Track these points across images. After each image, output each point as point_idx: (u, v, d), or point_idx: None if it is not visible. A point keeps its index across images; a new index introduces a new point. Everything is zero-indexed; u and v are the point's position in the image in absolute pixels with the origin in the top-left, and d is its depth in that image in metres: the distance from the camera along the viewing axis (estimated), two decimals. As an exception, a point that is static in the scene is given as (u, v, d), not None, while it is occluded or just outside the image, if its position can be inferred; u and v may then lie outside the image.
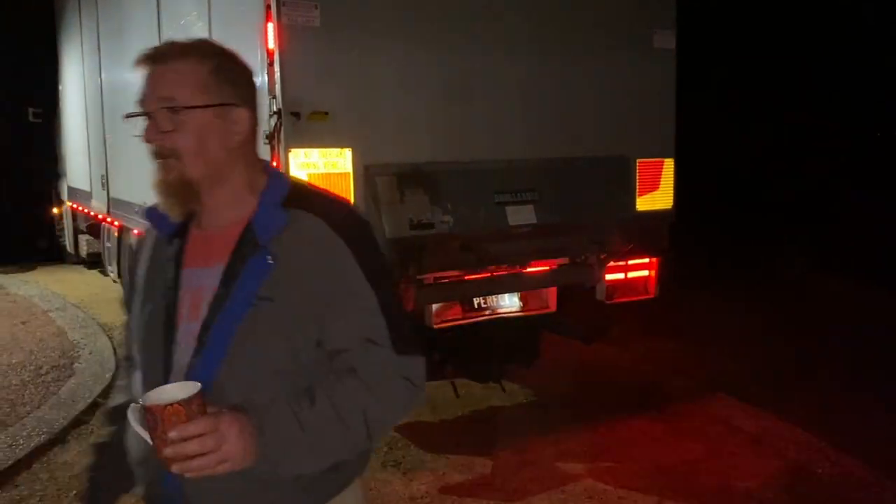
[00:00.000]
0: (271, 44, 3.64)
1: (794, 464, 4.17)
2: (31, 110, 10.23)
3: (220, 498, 1.39)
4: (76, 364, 5.92)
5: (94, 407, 5.04)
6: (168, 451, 1.23)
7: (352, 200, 3.83)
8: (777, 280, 8.78)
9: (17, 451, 4.25)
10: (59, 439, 4.50)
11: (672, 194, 4.93)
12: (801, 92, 9.97)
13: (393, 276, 1.50)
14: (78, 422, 4.76)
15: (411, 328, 1.48)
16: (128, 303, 1.62)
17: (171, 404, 1.21)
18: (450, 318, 4.43)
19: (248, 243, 1.41)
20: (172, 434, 1.21)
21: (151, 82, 1.40)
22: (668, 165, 4.90)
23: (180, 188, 1.41)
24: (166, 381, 1.36)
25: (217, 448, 1.24)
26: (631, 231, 4.72)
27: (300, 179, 1.57)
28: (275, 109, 3.65)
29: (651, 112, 4.81)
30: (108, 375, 5.60)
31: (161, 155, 1.41)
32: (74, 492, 3.89)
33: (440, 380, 4.79)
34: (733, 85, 10.25)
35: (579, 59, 4.51)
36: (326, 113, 3.74)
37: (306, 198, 1.46)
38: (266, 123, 3.67)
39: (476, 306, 4.53)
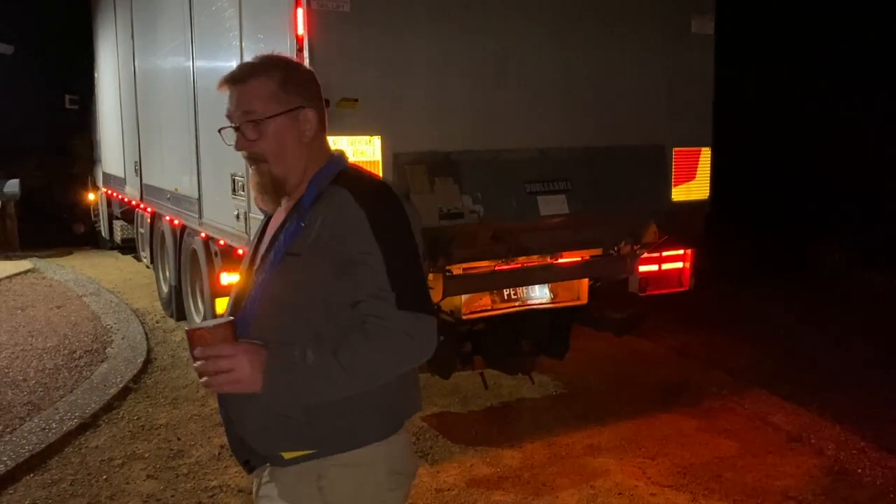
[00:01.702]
0: (300, 29, 3.60)
1: (834, 463, 4.04)
2: (67, 97, 10.35)
3: (247, 422, 1.68)
4: (109, 349, 5.99)
5: (125, 392, 5.09)
6: (194, 367, 1.56)
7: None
8: (816, 274, 8.56)
9: (49, 435, 4.31)
10: (90, 424, 4.55)
11: (708, 184, 4.79)
12: (848, 79, 9.60)
13: (408, 238, 1.65)
14: (109, 406, 4.81)
15: (422, 288, 1.65)
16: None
17: (199, 329, 1.55)
18: (479, 308, 4.38)
19: (294, 213, 1.72)
20: (196, 352, 1.55)
21: (234, 100, 1.70)
22: (705, 154, 4.77)
23: (271, 185, 1.72)
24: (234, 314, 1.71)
25: (230, 370, 1.53)
26: (665, 222, 4.61)
27: (356, 168, 1.79)
28: (304, 96, 3.60)
29: (688, 99, 4.68)
30: (140, 360, 5.66)
31: (253, 159, 1.72)
32: (105, 476, 3.93)
33: (469, 370, 4.74)
34: (773, 72, 9.92)
35: (614, 44, 4.39)
36: (356, 100, 3.69)
37: (346, 178, 1.71)
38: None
39: (506, 297, 4.46)
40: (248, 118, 1.68)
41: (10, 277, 8.79)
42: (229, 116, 1.72)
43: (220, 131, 1.76)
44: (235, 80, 1.71)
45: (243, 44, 4.40)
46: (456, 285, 4.10)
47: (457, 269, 4.15)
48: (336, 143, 3.65)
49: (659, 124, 4.59)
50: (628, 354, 5.86)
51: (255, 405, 1.60)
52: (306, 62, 3.59)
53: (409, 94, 3.87)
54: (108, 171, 9.38)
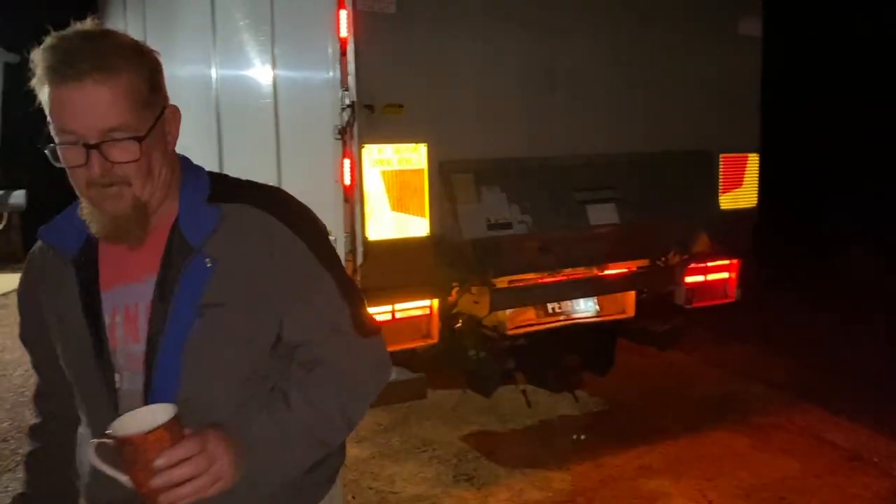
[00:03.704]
0: (344, 32, 3.41)
1: (902, 484, 3.86)
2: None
3: None
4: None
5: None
6: (157, 482, 1.12)
7: (426, 199, 3.60)
8: (850, 282, 8.34)
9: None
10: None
11: (756, 192, 4.63)
12: (880, 86, 9.33)
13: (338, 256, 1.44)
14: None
15: (364, 304, 1.43)
16: (34, 339, 1.48)
17: (154, 430, 1.12)
18: (524, 323, 4.18)
19: (178, 249, 1.31)
20: (160, 462, 1.12)
21: (85, 106, 1.20)
22: (753, 161, 4.60)
23: (134, 214, 1.28)
24: (116, 415, 1.21)
25: (208, 468, 1.16)
26: (713, 231, 4.45)
27: (217, 173, 1.44)
28: (348, 102, 3.42)
29: (735, 103, 4.51)
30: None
31: (108, 184, 1.25)
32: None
33: (512, 385, 4.54)
34: (822, 75, 9.63)
35: (660, 47, 4.23)
36: (401, 105, 3.50)
37: (233, 190, 1.37)
38: (338, 117, 3.46)
39: (550, 311, 4.27)
40: (120, 136, 1.21)
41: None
42: (71, 130, 1.22)
43: (45, 148, 1.27)
44: (83, 73, 1.19)
45: (275, 50, 4.20)
46: (503, 299, 3.90)
47: (501, 283, 3.96)
48: (381, 151, 3.47)
49: (706, 129, 4.42)
50: (664, 368, 5.66)
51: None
52: (350, 66, 3.41)
53: (455, 99, 3.68)
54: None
